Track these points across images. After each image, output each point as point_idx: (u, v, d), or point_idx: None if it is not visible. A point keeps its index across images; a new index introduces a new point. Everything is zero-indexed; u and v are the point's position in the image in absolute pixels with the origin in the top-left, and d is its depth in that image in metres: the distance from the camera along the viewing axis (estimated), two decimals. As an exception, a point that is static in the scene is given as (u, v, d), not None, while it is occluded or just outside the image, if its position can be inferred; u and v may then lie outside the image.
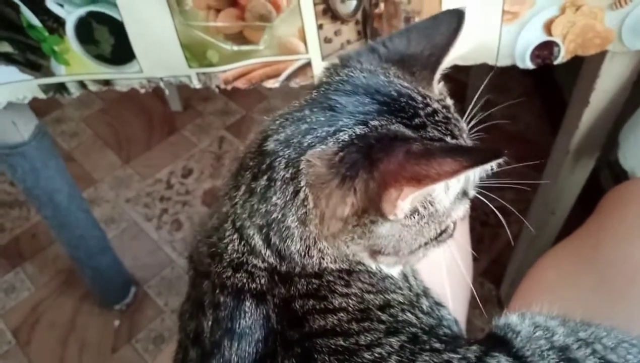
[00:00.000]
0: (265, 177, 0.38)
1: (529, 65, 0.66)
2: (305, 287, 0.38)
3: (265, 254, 0.38)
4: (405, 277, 0.44)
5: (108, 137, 1.68)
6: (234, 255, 0.39)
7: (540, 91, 1.66)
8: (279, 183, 0.37)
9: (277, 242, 0.38)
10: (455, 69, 0.69)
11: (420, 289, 0.44)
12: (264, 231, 0.38)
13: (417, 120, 0.37)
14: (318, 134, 0.37)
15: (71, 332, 1.26)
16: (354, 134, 0.36)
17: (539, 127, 1.58)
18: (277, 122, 0.40)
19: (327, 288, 0.38)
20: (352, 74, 0.40)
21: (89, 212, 1.11)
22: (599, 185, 1.20)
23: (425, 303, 0.42)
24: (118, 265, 1.25)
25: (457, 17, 0.43)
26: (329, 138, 0.36)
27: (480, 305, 0.61)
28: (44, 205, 1.01)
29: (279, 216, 0.37)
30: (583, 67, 0.78)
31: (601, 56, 0.69)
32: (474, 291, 0.64)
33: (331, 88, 0.40)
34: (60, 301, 1.32)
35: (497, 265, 1.28)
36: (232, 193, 0.40)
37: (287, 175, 0.37)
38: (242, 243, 0.39)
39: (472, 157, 0.34)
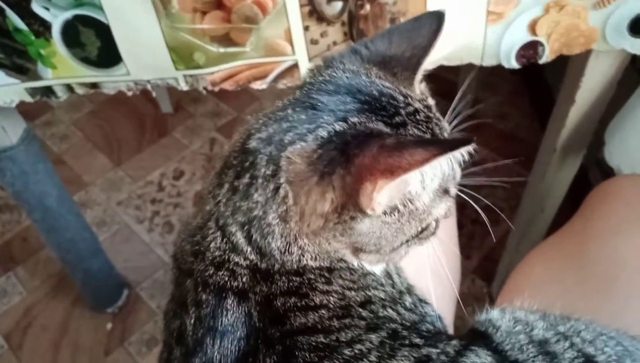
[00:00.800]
0: (247, 175, 0.38)
1: (514, 64, 0.67)
2: (286, 285, 0.38)
3: (246, 251, 0.39)
4: (388, 274, 0.44)
5: (99, 140, 1.68)
6: (216, 253, 0.40)
7: (530, 90, 1.67)
8: (260, 180, 0.38)
9: (258, 239, 0.38)
10: (444, 68, 0.70)
11: (404, 286, 0.44)
12: (245, 228, 0.39)
13: (397, 119, 0.38)
14: (298, 131, 0.37)
15: (63, 336, 1.26)
16: (333, 130, 0.37)
17: (528, 126, 1.59)
18: (260, 121, 0.40)
19: (308, 286, 0.39)
20: (334, 74, 0.41)
21: (80, 215, 1.11)
22: (588, 182, 1.21)
23: (408, 300, 0.43)
24: (110, 268, 1.25)
25: (437, 19, 0.44)
26: (308, 135, 0.37)
27: (471, 302, 0.62)
28: (34, 208, 1.01)
29: (260, 213, 0.38)
30: (568, 66, 0.79)
31: (586, 55, 0.70)
32: (469, 288, 0.65)
33: (314, 88, 0.40)
34: (52, 305, 1.32)
35: (489, 262, 1.28)
36: (216, 191, 0.40)
37: (268, 172, 0.37)
38: (224, 241, 0.39)
39: (442, 145, 0.35)
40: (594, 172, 1.24)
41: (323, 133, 0.37)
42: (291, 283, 0.38)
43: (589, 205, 0.63)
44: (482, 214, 0.45)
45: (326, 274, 0.39)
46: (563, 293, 0.54)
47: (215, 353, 0.37)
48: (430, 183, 0.38)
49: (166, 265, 1.37)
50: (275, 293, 0.38)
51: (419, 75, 0.44)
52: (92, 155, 1.63)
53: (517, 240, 1.08)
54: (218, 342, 0.37)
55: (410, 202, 0.38)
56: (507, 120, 1.61)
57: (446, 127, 0.41)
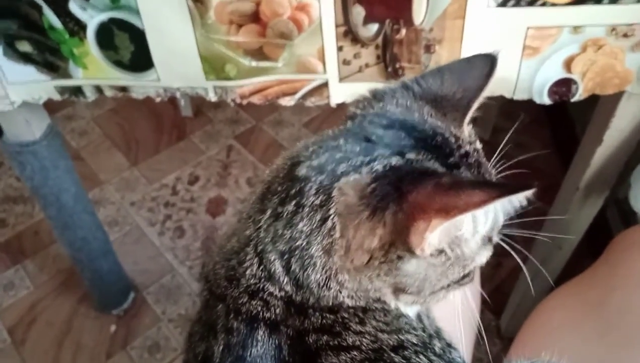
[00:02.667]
0: (293, 203, 0.37)
1: (546, 100, 0.66)
2: (319, 321, 0.37)
3: (282, 282, 0.38)
4: (419, 317, 0.43)
5: (117, 138, 1.69)
6: (252, 281, 0.39)
7: (551, 121, 1.66)
8: (307, 209, 0.37)
9: (297, 270, 0.37)
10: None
11: (433, 329, 0.43)
12: (285, 257, 0.37)
13: (451, 160, 0.37)
14: (352, 163, 0.37)
15: (67, 334, 1.26)
16: (389, 165, 0.36)
17: (547, 158, 1.57)
18: (310, 149, 0.39)
19: (342, 325, 0.38)
20: (388, 108, 0.40)
21: (94, 214, 1.11)
22: (605, 221, 1.20)
23: (437, 345, 0.42)
24: (119, 269, 1.24)
25: (490, 62, 0.44)
26: (363, 167, 0.36)
27: (481, 335, 0.61)
28: (50, 204, 1.01)
29: (304, 243, 0.37)
30: (598, 105, 0.78)
31: (618, 96, 0.69)
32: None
33: (366, 120, 0.40)
34: (59, 301, 1.32)
35: (499, 294, 1.26)
36: (257, 216, 0.39)
37: (317, 202, 0.36)
38: (261, 268, 0.38)
39: (501, 188, 0.34)
40: (612, 211, 1.23)
41: (378, 166, 0.36)
42: (324, 320, 0.38)
43: (614, 253, 0.62)
44: (519, 262, 0.44)
45: (360, 314, 0.38)
46: (583, 343, 0.53)
47: None
48: (481, 228, 0.37)
49: (174, 270, 1.36)
50: (308, 329, 0.37)
51: (469, 117, 0.43)
52: (110, 153, 1.64)
53: (531, 275, 1.06)
54: None
55: (458, 247, 0.37)
56: (526, 150, 1.59)
57: (493, 173, 0.41)
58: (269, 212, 0.39)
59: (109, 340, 1.24)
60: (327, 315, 0.38)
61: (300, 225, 0.37)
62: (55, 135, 0.94)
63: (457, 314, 0.44)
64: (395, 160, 0.36)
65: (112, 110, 1.77)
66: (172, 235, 1.43)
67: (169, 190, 1.53)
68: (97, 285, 1.23)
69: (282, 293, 0.38)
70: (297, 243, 0.37)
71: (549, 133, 1.64)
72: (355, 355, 0.37)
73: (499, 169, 0.43)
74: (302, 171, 0.38)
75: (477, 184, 0.35)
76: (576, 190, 0.85)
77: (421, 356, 0.39)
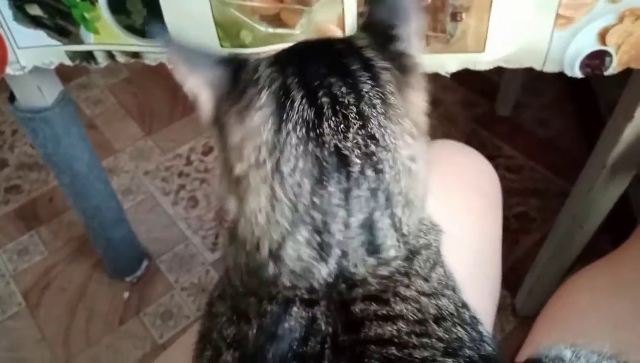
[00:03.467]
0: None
1: (578, 74, 0.63)
2: (369, 288, 0.37)
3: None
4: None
5: (131, 107, 1.67)
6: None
7: (574, 97, 1.61)
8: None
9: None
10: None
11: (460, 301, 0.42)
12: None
13: None
14: None
15: (80, 300, 1.27)
16: None
17: (569, 135, 1.53)
18: None
19: (392, 291, 0.37)
20: None
21: (107, 182, 1.10)
22: (626, 200, 1.16)
23: (466, 314, 0.40)
24: (132, 237, 1.24)
25: None
26: None
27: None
28: (63, 172, 1.00)
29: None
30: (630, 80, 0.74)
31: (653, 70, 0.66)
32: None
33: None
34: (72, 268, 1.32)
35: (515, 273, 1.24)
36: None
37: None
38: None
39: None
40: (635, 189, 1.19)
41: None
42: (374, 287, 0.37)
43: (644, 233, 0.60)
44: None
45: (406, 268, 0.38)
46: (615, 326, 0.51)
47: (271, 356, 0.36)
48: None
49: (187, 239, 1.36)
50: (355, 299, 0.36)
51: None
52: (124, 122, 1.63)
53: (549, 255, 1.04)
54: (276, 345, 0.36)
55: None
56: (548, 127, 1.55)
57: None
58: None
59: (122, 307, 1.25)
60: (379, 280, 0.37)
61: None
62: (68, 102, 0.92)
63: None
64: None
65: (126, 79, 1.75)
66: (185, 204, 1.42)
67: (183, 160, 1.52)
68: (110, 252, 1.23)
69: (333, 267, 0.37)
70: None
71: (572, 109, 1.59)
72: (402, 326, 0.36)
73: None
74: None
75: None
76: (602, 168, 0.82)
77: (458, 327, 0.38)
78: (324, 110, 0.36)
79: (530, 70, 0.65)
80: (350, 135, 0.35)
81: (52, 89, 0.89)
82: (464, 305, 0.41)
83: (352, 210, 0.36)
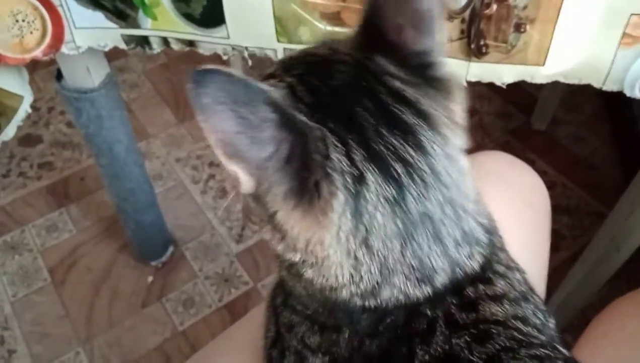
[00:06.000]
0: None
1: (637, 95, 0.61)
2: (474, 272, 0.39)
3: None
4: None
5: (167, 94, 1.68)
6: None
7: (611, 117, 1.58)
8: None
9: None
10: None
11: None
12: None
13: None
14: None
15: (105, 280, 1.28)
16: None
17: (605, 154, 1.51)
18: None
19: (490, 269, 0.40)
20: None
21: (143, 166, 1.11)
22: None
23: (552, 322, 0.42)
24: (161, 222, 1.25)
25: None
26: None
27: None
28: (102, 153, 1.01)
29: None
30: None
31: None
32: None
33: None
34: (99, 248, 1.34)
35: (542, 290, 1.23)
36: None
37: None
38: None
39: None
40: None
41: None
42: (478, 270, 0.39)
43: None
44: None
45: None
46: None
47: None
48: None
49: (214, 229, 1.37)
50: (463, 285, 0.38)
51: None
52: (159, 108, 1.64)
53: (582, 274, 1.03)
54: (377, 340, 0.37)
55: None
56: (583, 145, 1.53)
57: None
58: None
59: (145, 290, 1.26)
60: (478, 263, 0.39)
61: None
62: (114, 85, 0.93)
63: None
64: None
65: (163, 65, 1.76)
66: (214, 194, 1.43)
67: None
68: (138, 235, 1.24)
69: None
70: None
71: (609, 129, 1.57)
72: (507, 308, 0.37)
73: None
74: None
75: None
76: (647, 193, 0.80)
77: (539, 314, 0.40)
78: (401, 180, 0.35)
79: (569, 86, 0.64)
80: (431, 196, 0.36)
81: (100, 71, 0.90)
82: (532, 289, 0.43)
83: (445, 243, 0.37)
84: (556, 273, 1.21)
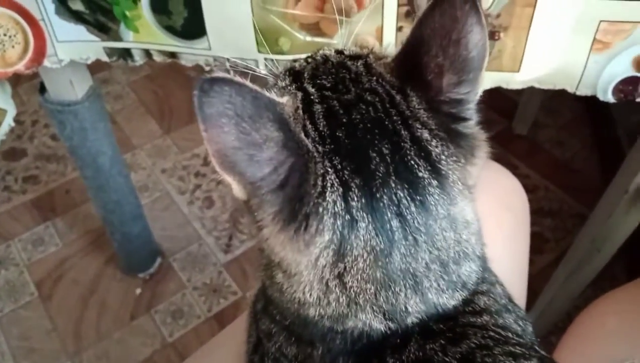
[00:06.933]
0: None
1: (610, 98, 0.63)
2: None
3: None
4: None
5: (151, 105, 1.69)
6: None
7: (591, 120, 1.61)
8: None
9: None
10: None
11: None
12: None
13: None
14: None
15: (92, 293, 1.28)
16: None
17: (586, 157, 1.54)
18: None
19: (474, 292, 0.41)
20: None
21: (128, 178, 1.11)
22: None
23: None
24: (148, 234, 1.25)
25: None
26: None
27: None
28: (87, 165, 1.01)
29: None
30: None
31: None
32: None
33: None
34: (86, 261, 1.33)
35: (528, 292, 1.24)
36: None
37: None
38: None
39: None
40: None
41: None
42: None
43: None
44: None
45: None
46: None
47: None
48: None
49: (201, 239, 1.37)
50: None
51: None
52: (143, 120, 1.64)
53: (564, 276, 1.04)
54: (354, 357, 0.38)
55: None
56: (564, 148, 1.56)
57: None
58: None
59: (133, 302, 1.26)
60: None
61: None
62: (97, 97, 0.94)
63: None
64: None
65: (147, 76, 1.77)
66: (201, 204, 1.43)
67: (200, 160, 1.53)
68: (125, 247, 1.24)
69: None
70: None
71: (589, 132, 1.60)
72: (486, 319, 0.37)
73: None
74: None
75: None
76: (624, 194, 0.82)
77: (520, 321, 0.41)
78: (394, 236, 0.34)
79: (548, 90, 0.65)
80: (419, 256, 0.35)
81: (83, 83, 0.90)
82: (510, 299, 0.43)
83: (425, 292, 0.36)
84: (541, 276, 1.23)
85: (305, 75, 0.39)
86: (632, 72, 0.61)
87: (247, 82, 0.32)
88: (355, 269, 0.35)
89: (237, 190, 0.35)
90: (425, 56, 0.37)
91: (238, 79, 0.32)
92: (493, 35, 0.59)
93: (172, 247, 1.35)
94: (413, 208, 0.35)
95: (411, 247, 0.35)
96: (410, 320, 0.37)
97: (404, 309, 0.36)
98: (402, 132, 0.36)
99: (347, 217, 0.34)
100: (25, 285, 1.29)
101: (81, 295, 1.27)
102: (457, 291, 0.37)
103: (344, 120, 0.35)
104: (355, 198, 0.34)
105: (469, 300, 0.38)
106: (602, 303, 0.59)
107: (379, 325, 0.36)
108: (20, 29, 0.70)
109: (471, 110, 0.38)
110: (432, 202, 0.35)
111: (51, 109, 0.91)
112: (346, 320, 0.37)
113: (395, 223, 0.34)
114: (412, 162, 0.35)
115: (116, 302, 1.26)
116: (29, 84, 1.66)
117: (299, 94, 0.37)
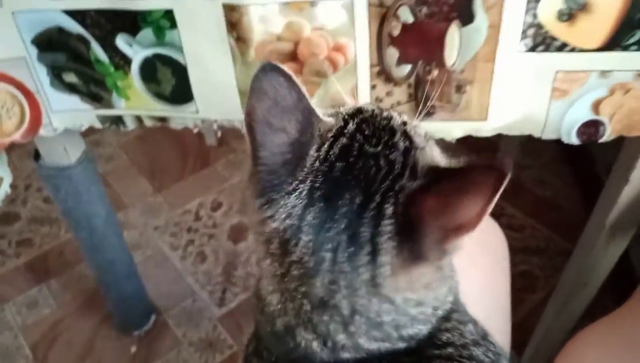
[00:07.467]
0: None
1: (575, 141, 0.67)
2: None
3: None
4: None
5: (143, 165, 1.72)
6: None
7: (571, 158, 1.66)
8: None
9: None
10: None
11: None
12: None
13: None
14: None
15: (88, 354, 1.27)
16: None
17: (568, 194, 1.58)
18: None
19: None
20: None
21: (121, 237, 1.14)
22: (627, 259, 1.19)
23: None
24: (142, 291, 1.26)
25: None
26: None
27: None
28: (81, 227, 1.03)
29: None
30: (625, 145, 0.79)
31: (644, 137, 0.70)
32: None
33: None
34: (80, 321, 1.33)
35: (521, 331, 1.25)
36: None
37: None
38: None
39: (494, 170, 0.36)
40: (636, 249, 1.22)
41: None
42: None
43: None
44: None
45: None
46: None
47: None
48: None
49: (195, 294, 1.38)
50: None
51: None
52: (135, 179, 1.68)
53: (554, 312, 1.06)
54: None
55: None
56: (547, 187, 1.60)
57: None
58: None
59: (129, 361, 1.25)
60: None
61: None
62: (90, 160, 0.97)
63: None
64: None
65: (138, 137, 1.81)
66: (194, 260, 1.45)
67: (192, 216, 1.56)
68: (120, 306, 1.25)
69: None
70: None
71: (570, 170, 1.64)
72: (451, 351, 0.40)
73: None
74: None
75: (481, 169, 0.36)
76: (602, 229, 0.85)
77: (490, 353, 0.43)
78: (321, 265, 0.38)
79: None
80: (340, 300, 0.39)
81: (76, 148, 0.94)
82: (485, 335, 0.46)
83: (351, 333, 0.40)
84: (534, 313, 1.25)
85: (360, 116, 0.43)
86: (592, 116, 0.65)
87: (300, 85, 0.40)
88: (292, 275, 0.39)
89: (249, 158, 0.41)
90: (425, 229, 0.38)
91: (295, 78, 0.39)
92: (460, 89, 0.63)
93: (166, 303, 1.36)
94: (345, 259, 0.38)
95: (333, 285, 0.39)
96: (344, 355, 0.40)
97: (336, 341, 0.40)
98: (374, 202, 0.38)
99: (296, 222, 0.39)
100: (20, 348, 1.28)
101: (76, 357, 1.27)
102: (392, 342, 0.41)
103: (350, 160, 0.40)
104: (311, 216, 0.38)
105: (432, 335, 0.41)
106: (583, 336, 0.61)
107: (318, 349, 0.40)
108: (17, 102, 0.74)
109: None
110: (360, 274, 0.38)
111: (46, 174, 0.94)
112: (295, 331, 0.41)
113: (328, 255, 0.38)
114: (363, 229, 0.38)
115: (112, 361, 1.26)
116: (21, 150, 1.70)
117: (342, 123, 0.42)
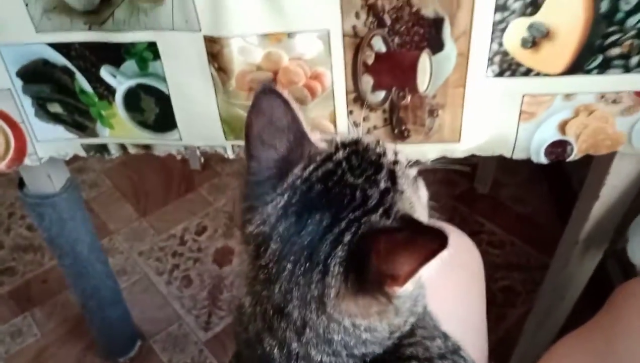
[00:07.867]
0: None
1: (543, 160, 0.70)
2: None
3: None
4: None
5: (126, 190, 1.73)
6: None
7: (547, 175, 1.70)
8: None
9: None
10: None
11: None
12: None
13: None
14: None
15: (73, 383, 1.26)
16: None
17: (545, 211, 1.62)
18: None
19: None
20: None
21: (106, 263, 1.14)
22: (605, 272, 1.22)
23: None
24: (127, 317, 1.26)
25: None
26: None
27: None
28: (65, 254, 1.04)
29: None
30: (593, 163, 0.82)
31: (611, 154, 0.74)
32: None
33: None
34: (65, 349, 1.32)
35: (503, 346, 1.27)
36: None
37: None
38: None
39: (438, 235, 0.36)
40: (612, 262, 1.25)
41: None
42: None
43: (615, 303, 0.65)
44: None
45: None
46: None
47: None
48: None
49: (181, 319, 1.38)
50: None
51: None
52: (119, 205, 1.68)
53: (534, 326, 1.09)
54: None
55: None
56: (525, 204, 1.64)
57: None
58: None
59: (114, 390, 1.25)
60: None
61: None
62: (74, 188, 0.98)
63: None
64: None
65: (122, 163, 1.82)
66: (179, 284, 1.45)
67: (177, 240, 1.57)
68: (105, 333, 1.24)
69: None
70: None
71: (546, 186, 1.69)
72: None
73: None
74: None
75: (425, 232, 0.37)
76: (576, 244, 0.88)
77: None
78: (281, 274, 0.41)
79: None
80: (294, 312, 0.42)
81: (60, 176, 0.95)
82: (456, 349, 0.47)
83: (303, 343, 0.42)
84: (516, 328, 1.27)
85: (351, 147, 0.45)
86: (559, 136, 0.68)
87: (297, 110, 0.43)
88: (259, 279, 0.42)
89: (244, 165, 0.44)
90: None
91: (292, 102, 0.43)
92: (432, 113, 0.66)
93: (151, 328, 1.35)
94: (301, 272, 0.41)
95: (288, 294, 0.41)
96: None
97: (291, 349, 0.42)
98: (338, 228, 0.40)
99: (268, 230, 0.42)
100: (4, 380, 1.27)
101: (61, 386, 1.26)
102: (343, 359, 0.42)
103: (329, 184, 0.42)
104: (282, 227, 0.41)
105: (395, 349, 0.43)
106: (556, 349, 0.63)
107: (277, 356, 0.43)
108: (2, 132, 0.76)
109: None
110: (311, 290, 0.40)
111: (30, 202, 0.95)
112: (262, 336, 0.43)
113: (289, 266, 0.41)
114: (321, 249, 0.40)
115: (97, 390, 1.25)
116: (4, 178, 1.70)
117: (333, 150, 0.44)
